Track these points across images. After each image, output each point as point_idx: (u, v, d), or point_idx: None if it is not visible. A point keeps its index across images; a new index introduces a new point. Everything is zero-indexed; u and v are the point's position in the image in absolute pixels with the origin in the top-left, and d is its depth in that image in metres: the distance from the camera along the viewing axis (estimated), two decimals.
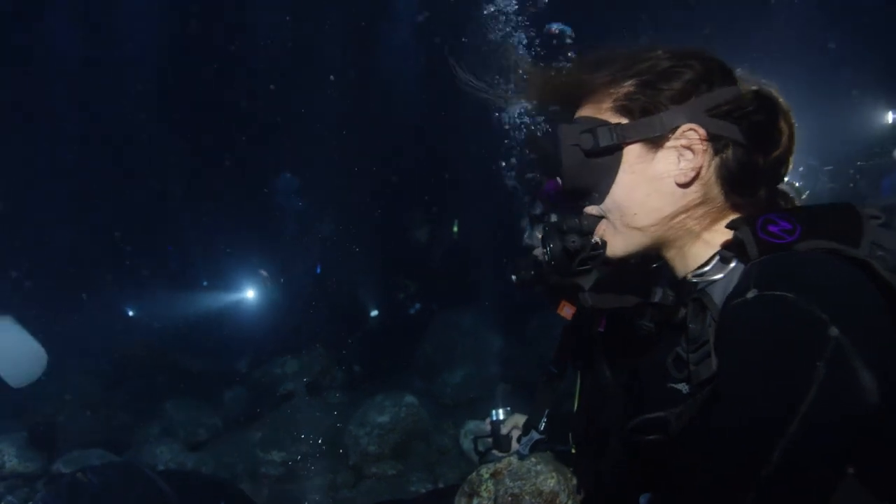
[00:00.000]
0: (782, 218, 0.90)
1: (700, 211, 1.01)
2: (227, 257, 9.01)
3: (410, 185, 9.39)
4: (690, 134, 0.97)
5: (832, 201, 0.97)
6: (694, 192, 1.00)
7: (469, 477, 2.36)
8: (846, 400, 0.75)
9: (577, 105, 1.10)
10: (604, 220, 1.08)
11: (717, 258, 0.98)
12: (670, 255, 1.07)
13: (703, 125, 0.97)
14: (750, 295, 0.82)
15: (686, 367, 0.96)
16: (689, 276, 1.01)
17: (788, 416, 0.74)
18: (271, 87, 9.32)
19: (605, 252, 1.10)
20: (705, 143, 0.98)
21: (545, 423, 2.18)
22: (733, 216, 1.02)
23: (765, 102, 0.99)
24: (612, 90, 1.04)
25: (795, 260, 0.85)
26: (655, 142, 1.01)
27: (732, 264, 0.95)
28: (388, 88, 9.59)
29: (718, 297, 0.93)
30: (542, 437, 2.18)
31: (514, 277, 2.29)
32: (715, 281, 0.96)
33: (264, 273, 8.88)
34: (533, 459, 2.14)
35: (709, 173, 0.99)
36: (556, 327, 7.25)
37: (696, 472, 0.85)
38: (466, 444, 4.12)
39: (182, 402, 5.29)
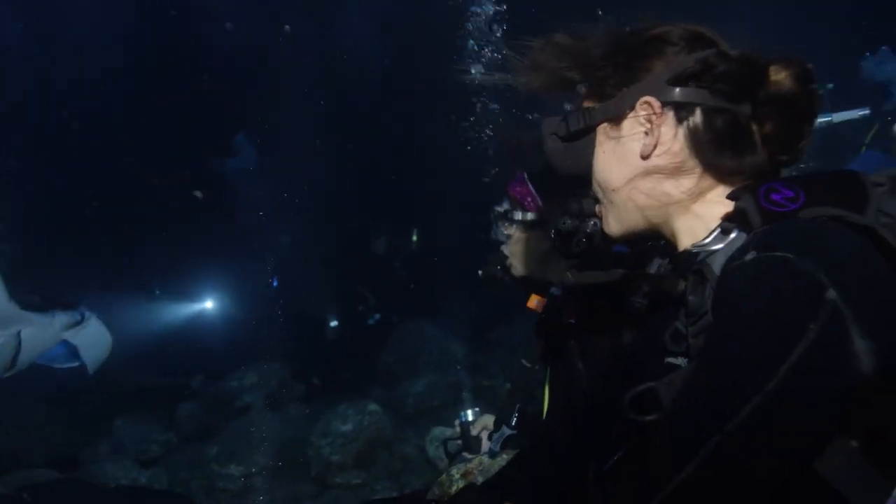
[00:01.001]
0: (785, 186, 0.89)
1: (681, 182, 1.01)
2: (182, 263, 8.70)
3: (369, 193, 9.33)
4: (645, 107, 0.99)
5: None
6: (664, 164, 1.01)
7: (439, 479, 2.31)
8: (834, 366, 0.73)
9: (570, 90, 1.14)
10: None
11: (717, 230, 0.96)
12: (665, 230, 1.08)
13: (661, 95, 0.98)
14: (748, 257, 0.80)
15: (685, 340, 0.93)
16: (691, 248, 0.99)
17: (768, 373, 0.72)
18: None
19: (602, 231, 1.15)
20: (661, 113, 0.98)
21: (516, 417, 2.16)
22: (727, 186, 1.00)
23: (736, 61, 0.95)
24: (585, 74, 1.08)
25: (798, 226, 0.83)
26: (619, 119, 1.04)
27: (734, 234, 0.93)
28: (346, 88, 9.50)
29: (719, 267, 0.90)
30: (514, 432, 2.16)
31: (479, 273, 2.28)
32: (715, 251, 0.94)
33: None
34: (504, 456, 2.11)
35: (678, 142, 0.99)
36: (518, 335, 7.27)
37: (663, 424, 0.83)
38: (432, 450, 4.06)
39: (132, 419, 5.07)
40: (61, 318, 3.71)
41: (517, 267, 2.18)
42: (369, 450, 4.13)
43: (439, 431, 4.15)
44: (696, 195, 1.01)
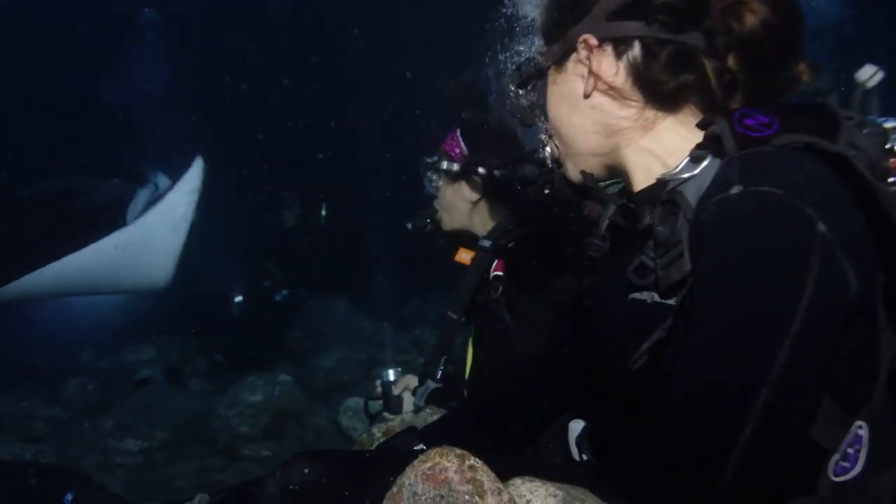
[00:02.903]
0: (759, 111, 0.89)
1: (624, 115, 1.02)
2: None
3: (280, 165, 9.02)
4: (584, 45, 1.00)
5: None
6: (606, 101, 1.02)
7: (358, 439, 2.28)
8: (837, 295, 0.74)
9: None
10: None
11: (686, 158, 0.95)
12: (620, 171, 1.09)
13: (598, 32, 0.98)
14: (734, 191, 0.79)
15: (652, 273, 0.91)
16: (661, 178, 0.97)
17: (791, 312, 0.71)
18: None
19: (562, 174, 1.16)
20: (598, 49, 0.99)
21: (442, 371, 2.16)
22: (676, 117, 1.01)
23: None
24: (540, 21, 1.08)
25: (778, 155, 0.83)
26: (562, 61, 1.05)
27: (706, 161, 0.91)
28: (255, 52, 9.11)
29: (692, 195, 0.88)
30: (439, 385, 2.16)
31: (409, 226, 2.28)
32: (686, 179, 0.92)
33: None
34: (429, 411, 2.11)
35: (619, 78, 0.99)
36: (430, 312, 7.29)
37: (685, 382, 0.78)
38: (346, 420, 4.02)
39: (14, 396, 4.66)
40: None
41: (445, 219, 2.20)
42: (280, 421, 4.01)
43: (354, 402, 4.10)
44: (643, 127, 1.02)
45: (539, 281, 1.97)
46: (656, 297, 0.91)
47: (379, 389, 2.39)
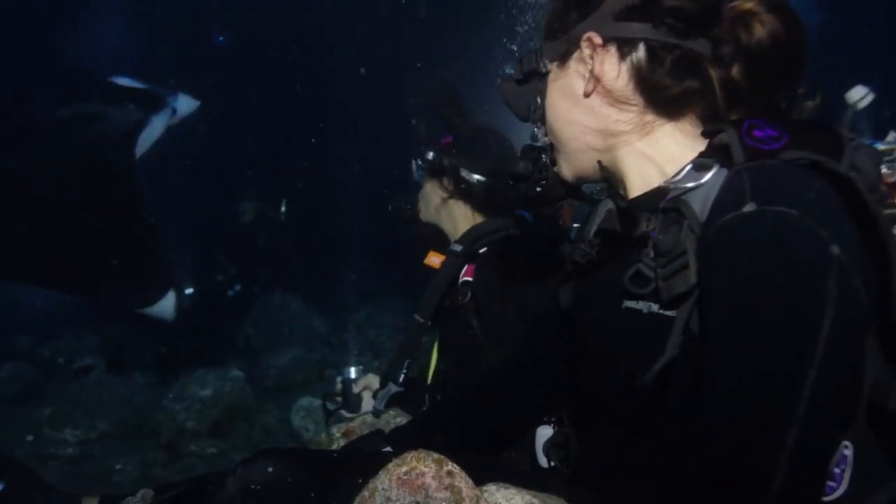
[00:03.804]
0: (767, 124, 0.88)
1: (623, 118, 0.99)
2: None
3: (241, 158, 8.84)
4: (588, 43, 0.98)
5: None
6: (606, 101, 1.00)
7: (316, 438, 2.22)
8: (855, 317, 0.75)
9: None
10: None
11: (689, 166, 0.93)
12: (615, 174, 1.07)
13: (604, 31, 0.96)
14: (748, 209, 0.78)
15: (652, 283, 0.89)
16: (663, 184, 0.96)
17: (813, 342, 0.71)
18: None
19: (556, 174, 1.14)
20: (601, 49, 0.97)
21: (405, 374, 2.12)
22: (676, 124, 0.99)
23: None
24: (546, 15, 1.05)
25: (788, 171, 0.82)
26: (565, 58, 1.03)
27: (713, 170, 0.90)
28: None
29: (698, 205, 0.87)
30: (401, 389, 2.12)
31: (390, 207, 2.27)
32: (692, 189, 0.90)
33: None
34: (392, 412, 2.07)
35: (621, 79, 0.97)
36: (387, 316, 7.19)
37: (714, 406, 0.76)
38: (297, 420, 3.92)
39: None
40: None
41: (421, 209, 2.21)
42: (228, 418, 3.89)
43: (307, 402, 4.01)
44: (642, 132, 1.00)
45: (509, 288, 1.95)
46: (654, 308, 0.89)
47: (339, 386, 2.34)
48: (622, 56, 0.96)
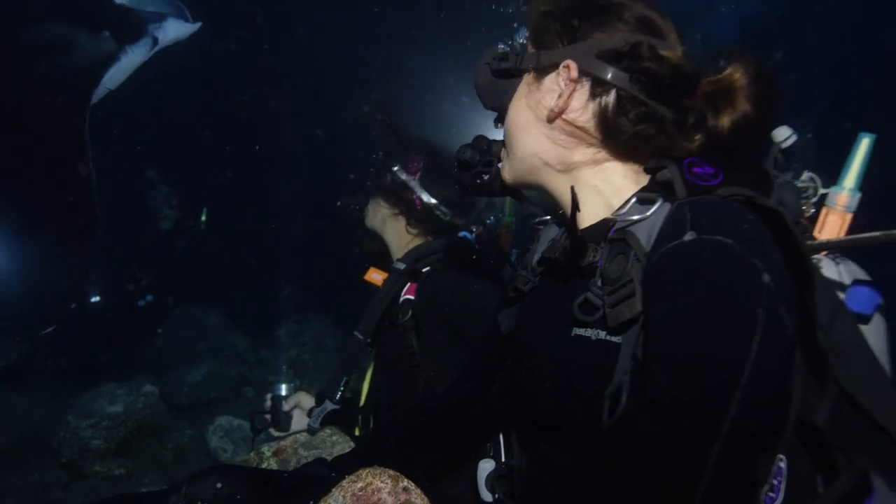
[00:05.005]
0: (705, 162, 0.95)
1: (577, 151, 1.04)
2: None
3: (163, 163, 8.46)
4: (565, 70, 1.01)
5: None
6: (566, 131, 1.03)
7: (246, 457, 2.15)
8: (781, 341, 0.79)
9: None
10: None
11: (634, 200, 0.98)
12: (555, 194, 1.10)
13: (585, 64, 0.99)
14: (688, 237, 0.83)
15: (599, 310, 0.92)
16: (609, 217, 1.00)
17: (741, 360, 0.75)
18: None
19: (499, 172, 1.17)
20: (576, 82, 1.00)
21: (341, 392, 2.09)
22: (625, 163, 1.04)
23: (667, 65, 0.96)
24: (536, 21, 1.07)
25: (725, 205, 0.88)
26: (543, 73, 1.05)
27: (657, 204, 0.94)
28: None
29: (644, 236, 0.91)
30: (337, 407, 2.09)
31: (338, 203, 2.25)
32: (637, 221, 0.94)
33: None
34: (328, 430, 2.03)
35: (585, 114, 1.01)
36: (307, 333, 6.99)
37: (647, 422, 0.80)
38: (215, 440, 3.75)
39: None
40: None
41: (368, 214, 2.19)
42: (137, 437, 3.67)
43: (225, 420, 3.85)
44: (594, 164, 1.04)
45: (450, 308, 1.97)
46: (602, 335, 0.92)
47: (268, 403, 2.27)
48: (592, 95, 1.00)
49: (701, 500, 0.71)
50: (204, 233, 8.37)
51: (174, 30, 3.69)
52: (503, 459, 1.32)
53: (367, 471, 1.01)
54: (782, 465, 0.85)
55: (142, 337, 6.87)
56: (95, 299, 7.35)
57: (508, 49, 1.10)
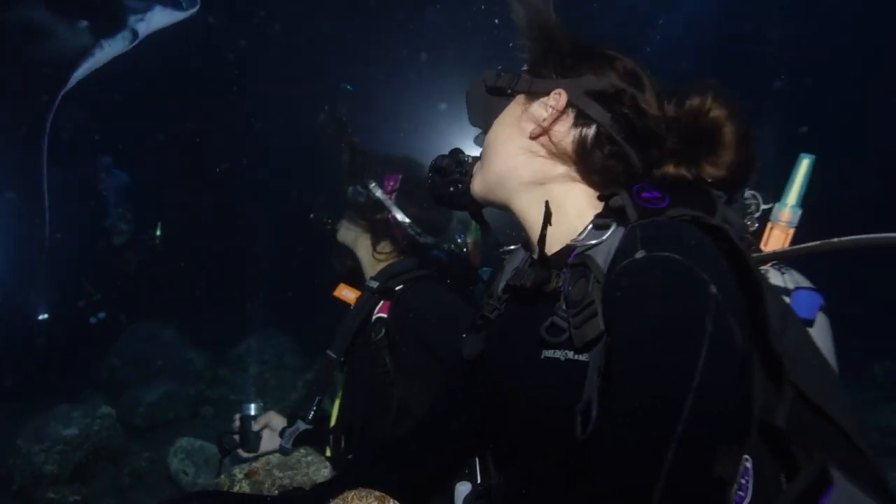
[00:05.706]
0: (651, 186, 1.02)
1: (550, 174, 1.11)
2: None
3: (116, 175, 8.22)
4: (555, 96, 1.08)
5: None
6: (545, 151, 1.10)
7: (217, 480, 2.10)
8: (729, 348, 0.84)
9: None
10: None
11: (590, 226, 1.05)
12: (524, 217, 1.15)
13: (574, 98, 1.07)
14: (639, 255, 0.89)
15: (565, 332, 0.97)
16: (570, 243, 1.06)
17: (691, 369, 0.80)
18: None
19: (470, 183, 1.22)
20: (562, 111, 1.07)
21: (314, 412, 2.07)
22: (592, 188, 1.10)
23: (643, 118, 1.05)
24: (538, 54, 1.14)
25: (673, 225, 0.95)
26: (534, 97, 1.12)
27: (612, 229, 1.01)
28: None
29: (601, 259, 0.97)
30: (310, 427, 2.06)
31: (311, 216, 2.23)
32: (595, 245, 1.00)
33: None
34: (302, 451, 2.01)
35: (565, 141, 1.08)
36: (267, 350, 6.89)
37: (608, 430, 0.84)
38: (176, 463, 3.63)
39: None
40: None
41: (341, 230, 2.18)
42: (92, 461, 3.54)
43: (186, 442, 3.74)
44: (563, 185, 1.11)
45: (423, 327, 1.98)
46: (570, 355, 0.97)
47: (237, 424, 2.22)
48: (575, 125, 1.07)
49: (658, 502, 0.75)
50: (158, 247, 8.15)
51: (159, 19, 3.59)
52: (479, 480, 1.34)
53: (353, 493, 1.02)
54: (748, 465, 0.91)
55: (94, 355, 6.64)
56: (43, 317, 7.08)
57: (505, 71, 1.16)
